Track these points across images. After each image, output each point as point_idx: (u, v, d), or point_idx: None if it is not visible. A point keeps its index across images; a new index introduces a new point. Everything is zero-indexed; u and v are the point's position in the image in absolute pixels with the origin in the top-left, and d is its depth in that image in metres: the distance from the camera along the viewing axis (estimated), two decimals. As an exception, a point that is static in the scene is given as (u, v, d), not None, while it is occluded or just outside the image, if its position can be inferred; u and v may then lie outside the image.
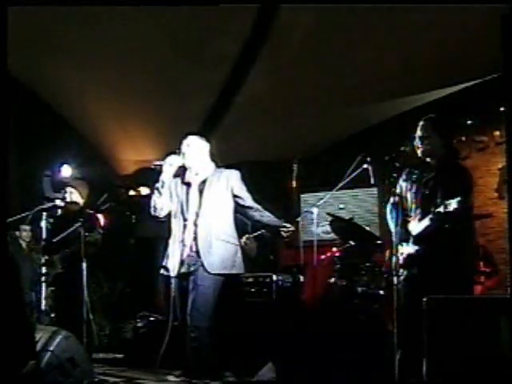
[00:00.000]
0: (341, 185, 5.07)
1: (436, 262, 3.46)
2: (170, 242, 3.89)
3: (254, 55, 5.17)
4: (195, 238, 3.79)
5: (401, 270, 3.58)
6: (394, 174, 3.70)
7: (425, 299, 3.05)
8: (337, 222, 5.26)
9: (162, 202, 3.84)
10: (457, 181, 3.48)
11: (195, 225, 3.80)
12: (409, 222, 3.65)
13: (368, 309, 4.66)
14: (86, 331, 4.41)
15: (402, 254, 3.57)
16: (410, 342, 3.29)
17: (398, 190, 3.74)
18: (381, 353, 3.81)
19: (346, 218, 5.38)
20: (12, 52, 2.83)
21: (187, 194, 3.88)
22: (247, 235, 5.06)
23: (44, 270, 4.49)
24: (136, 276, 7.14)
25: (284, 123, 6.35)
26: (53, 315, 4.83)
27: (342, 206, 5.82)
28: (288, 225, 3.98)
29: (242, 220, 4.23)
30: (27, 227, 5.34)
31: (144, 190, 6.74)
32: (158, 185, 3.84)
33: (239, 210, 3.95)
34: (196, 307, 3.67)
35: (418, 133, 3.66)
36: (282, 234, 3.95)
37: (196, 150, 3.91)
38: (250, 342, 4.60)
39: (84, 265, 4.57)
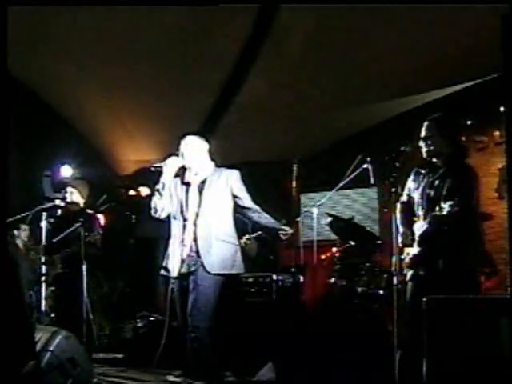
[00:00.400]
0: (341, 185, 5.07)
1: (437, 263, 3.46)
2: (170, 242, 3.89)
3: (254, 55, 5.16)
4: (195, 238, 3.79)
5: (405, 270, 3.62)
6: (394, 174, 3.71)
7: (425, 299, 3.05)
8: (337, 222, 5.26)
9: (163, 204, 3.84)
10: (459, 181, 3.47)
11: (195, 225, 3.80)
12: (415, 222, 3.66)
13: (368, 309, 4.66)
14: (86, 331, 4.41)
15: (407, 254, 3.60)
16: (413, 342, 3.29)
17: (406, 191, 3.77)
18: (381, 353, 3.81)
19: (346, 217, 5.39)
20: (12, 52, 2.82)
21: (187, 194, 3.88)
22: (247, 235, 5.06)
23: (44, 269, 4.49)
24: (136, 276, 7.14)
25: (284, 123, 6.34)
26: (53, 315, 4.84)
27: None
28: (286, 228, 3.97)
29: (242, 220, 4.23)
30: (26, 226, 5.35)
31: (144, 191, 6.74)
32: (159, 186, 3.84)
33: (238, 210, 3.95)
34: (196, 307, 3.67)
35: (422, 133, 3.65)
36: (281, 236, 3.95)
37: (195, 150, 3.91)
38: (250, 342, 4.60)
39: (84, 267, 4.57)
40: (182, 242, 3.79)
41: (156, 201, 3.85)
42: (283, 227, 3.98)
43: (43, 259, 4.49)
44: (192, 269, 3.77)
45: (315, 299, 5.53)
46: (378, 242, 5.07)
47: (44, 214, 4.54)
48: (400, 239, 3.65)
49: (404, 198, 3.79)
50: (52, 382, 3.22)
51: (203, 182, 3.89)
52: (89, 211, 5.10)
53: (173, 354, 3.99)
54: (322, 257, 5.36)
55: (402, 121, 6.27)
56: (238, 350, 4.56)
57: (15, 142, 5.73)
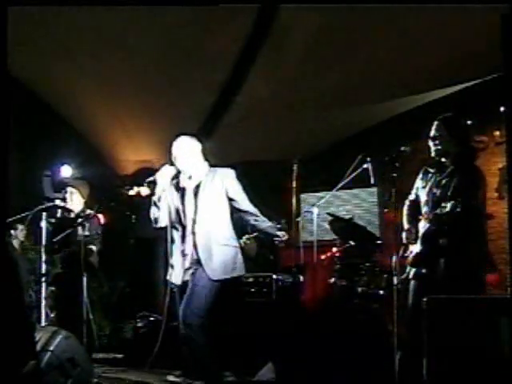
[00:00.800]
0: (341, 185, 5.08)
1: (439, 262, 3.47)
2: (173, 251, 3.81)
3: (254, 55, 5.16)
4: (195, 246, 3.72)
5: (407, 268, 3.64)
6: (394, 174, 3.72)
7: (425, 299, 3.05)
8: (337, 222, 5.26)
9: (161, 215, 3.78)
10: (465, 181, 3.47)
11: (193, 233, 3.73)
12: (420, 220, 3.67)
13: (368, 309, 4.66)
14: (86, 331, 4.41)
15: (411, 252, 3.62)
16: (413, 341, 3.30)
17: (414, 189, 3.80)
18: (381, 353, 3.81)
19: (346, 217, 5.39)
20: (12, 52, 2.82)
21: (183, 200, 3.80)
22: (247, 235, 5.05)
23: (44, 269, 4.48)
24: (136, 276, 7.15)
25: (284, 123, 6.34)
26: (53, 315, 4.84)
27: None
28: (281, 234, 3.90)
29: (241, 220, 4.21)
30: (22, 227, 5.34)
31: (144, 190, 6.73)
32: (155, 198, 3.76)
33: (234, 212, 3.90)
34: (190, 306, 3.60)
35: (432, 132, 3.66)
36: (276, 243, 3.93)
37: (187, 152, 3.80)
38: (250, 342, 4.60)
39: (83, 270, 4.56)
40: (183, 252, 3.74)
41: (154, 213, 3.79)
42: (278, 233, 3.90)
43: (43, 259, 4.48)
44: (192, 271, 3.73)
45: (315, 299, 5.53)
46: (378, 241, 5.08)
47: (44, 214, 4.53)
48: (404, 236, 3.67)
49: (412, 196, 3.83)
50: (52, 382, 3.21)
51: (198, 187, 3.79)
52: (89, 211, 5.10)
53: (172, 354, 3.99)
54: (322, 257, 5.36)
55: (401, 121, 6.27)
56: (238, 349, 4.56)
57: (15, 141, 5.74)
